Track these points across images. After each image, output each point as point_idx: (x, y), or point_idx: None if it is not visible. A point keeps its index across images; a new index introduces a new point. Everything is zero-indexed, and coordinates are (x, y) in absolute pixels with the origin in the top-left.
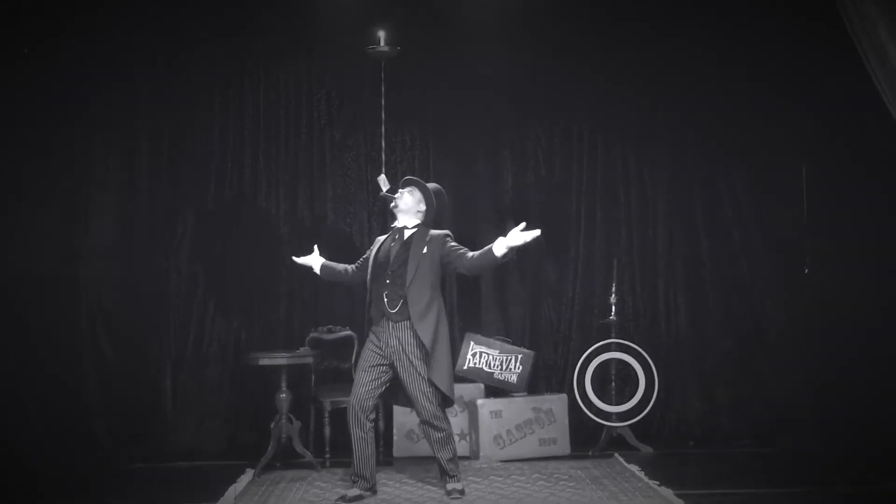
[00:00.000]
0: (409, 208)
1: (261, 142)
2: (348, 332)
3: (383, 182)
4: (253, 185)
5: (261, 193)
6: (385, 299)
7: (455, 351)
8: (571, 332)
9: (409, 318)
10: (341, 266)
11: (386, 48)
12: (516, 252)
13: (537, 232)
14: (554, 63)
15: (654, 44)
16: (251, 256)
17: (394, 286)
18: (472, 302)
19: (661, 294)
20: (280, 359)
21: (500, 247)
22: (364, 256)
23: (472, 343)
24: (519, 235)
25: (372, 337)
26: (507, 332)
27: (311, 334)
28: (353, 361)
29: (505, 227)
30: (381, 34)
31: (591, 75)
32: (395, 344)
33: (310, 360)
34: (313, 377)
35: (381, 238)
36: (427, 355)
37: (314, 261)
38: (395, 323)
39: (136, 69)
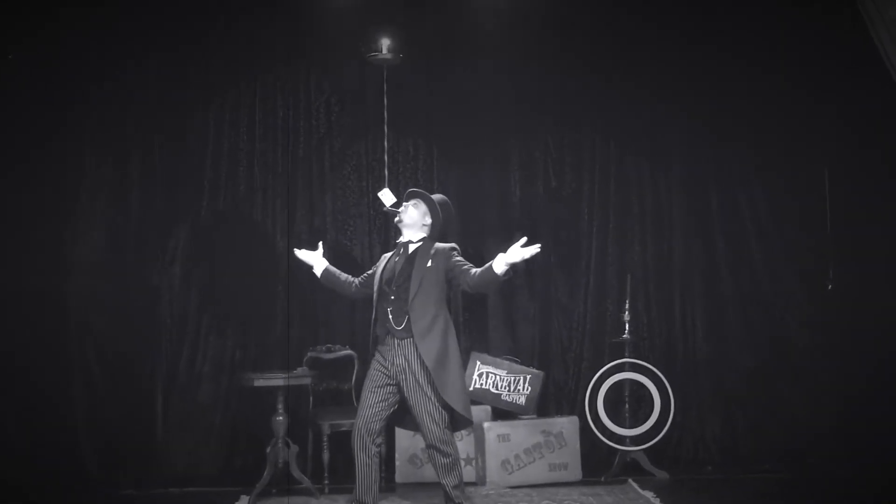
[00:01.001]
0: (414, 222)
1: (257, 151)
2: (348, 352)
3: (387, 197)
4: (248, 198)
5: (256, 206)
6: (390, 315)
7: None
8: (583, 351)
9: (413, 336)
10: (345, 276)
11: (388, 55)
12: (518, 269)
13: (537, 247)
14: (563, 67)
15: (669, 46)
16: (246, 272)
17: (398, 302)
18: (479, 319)
19: (677, 310)
20: (276, 379)
21: (499, 264)
22: (368, 272)
23: (478, 363)
24: (518, 251)
25: (378, 356)
26: (516, 352)
27: (309, 354)
28: (353, 382)
29: (513, 241)
30: (384, 42)
31: (603, 79)
32: (400, 362)
33: (308, 380)
34: (311, 399)
35: (387, 255)
36: (429, 377)
37: (317, 260)
38: (401, 340)
39: (128, 75)
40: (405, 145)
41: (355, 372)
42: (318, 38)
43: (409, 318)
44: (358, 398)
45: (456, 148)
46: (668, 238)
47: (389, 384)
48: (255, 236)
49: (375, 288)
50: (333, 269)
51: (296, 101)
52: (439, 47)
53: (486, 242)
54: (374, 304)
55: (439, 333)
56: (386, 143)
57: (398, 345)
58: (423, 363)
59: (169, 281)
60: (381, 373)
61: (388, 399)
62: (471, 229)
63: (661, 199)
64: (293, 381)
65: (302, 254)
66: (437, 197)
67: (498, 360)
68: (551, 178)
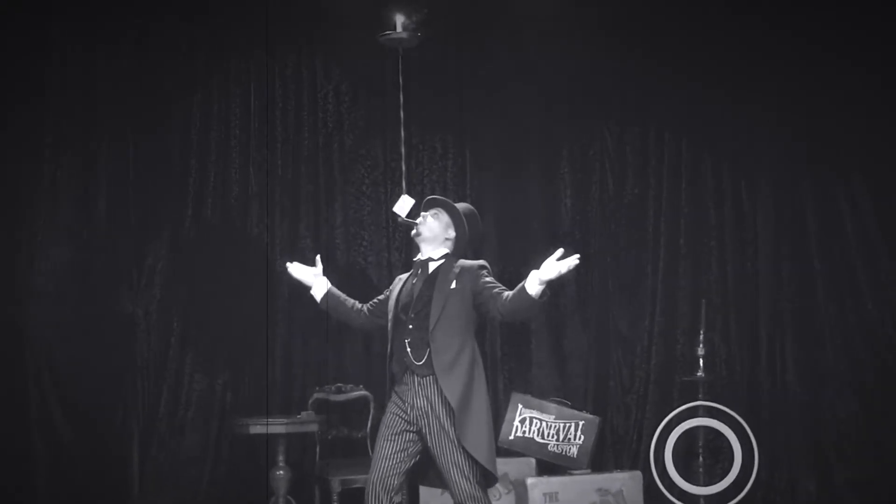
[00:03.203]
0: (434, 236)
1: (252, 151)
2: (362, 392)
3: (404, 205)
4: (242, 206)
5: (251, 216)
6: (408, 349)
7: (499, 416)
8: (647, 393)
9: (434, 372)
10: (351, 301)
11: (403, 34)
12: (556, 286)
13: (576, 258)
14: (626, 51)
15: (754, 31)
16: (240, 296)
17: (417, 332)
18: (521, 354)
19: (763, 343)
20: (276, 426)
21: (532, 283)
22: (380, 297)
23: (520, 406)
24: (554, 266)
25: (395, 398)
26: (566, 393)
27: (316, 395)
28: (368, 430)
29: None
30: (397, 17)
31: (674, 66)
32: (421, 404)
33: (314, 427)
34: (318, 449)
35: (403, 276)
36: (458, 422)
37: (316, 280)
38: (422, 378)
39: (95, 58)
40: (431, 143)
41: (371, 417)
42: (324, 12)
43: (430, 351)
44: (373, 447)
45: (492, 146)
46: (751, 257)
47: (409, 430)
48: (250, 253)
49: (390, 316)
50: (337, 291)
51: (298, 90)
52: (473, 25)
53: (530, 263)
54: (390, 335)
55: (465, 368)
56: (405, 140)
57: (418, 383)
58: (447, 404)
59: (145, 307)
60: (400, 417)
61: (407, 448)
62: (510, 247)
63: (743, 209)
64: (296, 429)
65: (296, 269)
66: (461, 206)
67: (544, 402)
68: (609, 183)
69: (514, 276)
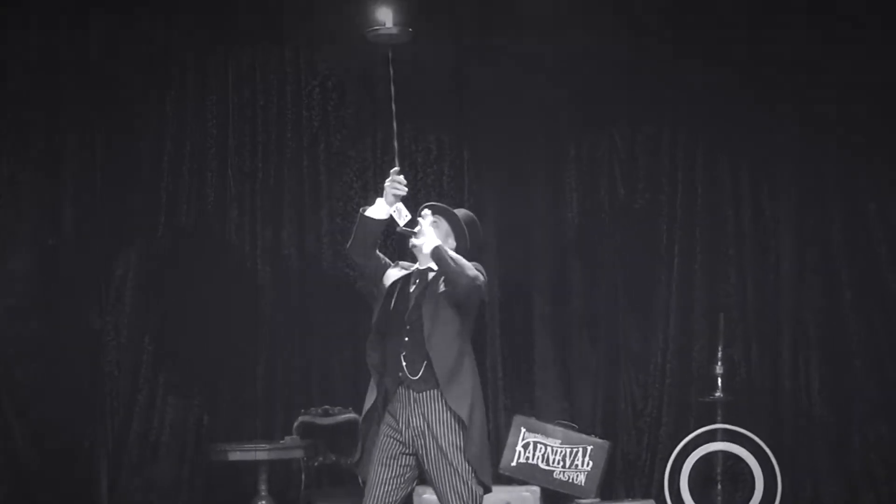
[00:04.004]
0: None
1: (230, 153)
2: (352, 415)
3: (400, 213)
4: (220, 213)
5: (230, 224)
6: (403, 363)
7: (500, 440)
8: (661, 415)
9: (437, 386)
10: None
11: (392, 29)
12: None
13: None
14: (637, 43)
15: (776, 23)
16: (217, 310)
17: (414, 344)
18: (523, 373)
19: (786, 360)
20: (258, 452)
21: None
22: (387, 262)
23: (523, 430)
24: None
25: (388, 417)
26: (572, 416)
27: (301, 418)
28: (357, 456)
29: (568, 268)
30: (384, 10)
31: (690, 60)
32: (417, 423)
33: (299, 453)
34: (303, 477)
35: (397, 273)
36: (463, 435)
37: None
38: (418, 394)
39: (60, 50)
40: (425, 143)
41: (361, 442)
42: (310, 4)
43: (429, 363)
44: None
45: (492, 147)
46: (773, 267)
47: (405, 454)
48: (228, 263)
49: (379, 316)
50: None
51: (281, 86)
52: (472, 16)
53: (534, 273)
54: (375, 343)
55: (468, 375)
56: (396, 142)
57: (414, 400)
58: (453, 420)
59: (115, 322)
60: (394, 439)
61: (404, 474)
62: (511, 257)
63: (764, 215)
64: (280, 455)
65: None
66: (460, 213)
67: (549, 426)
68: (619, 187)
69: (514, 291)
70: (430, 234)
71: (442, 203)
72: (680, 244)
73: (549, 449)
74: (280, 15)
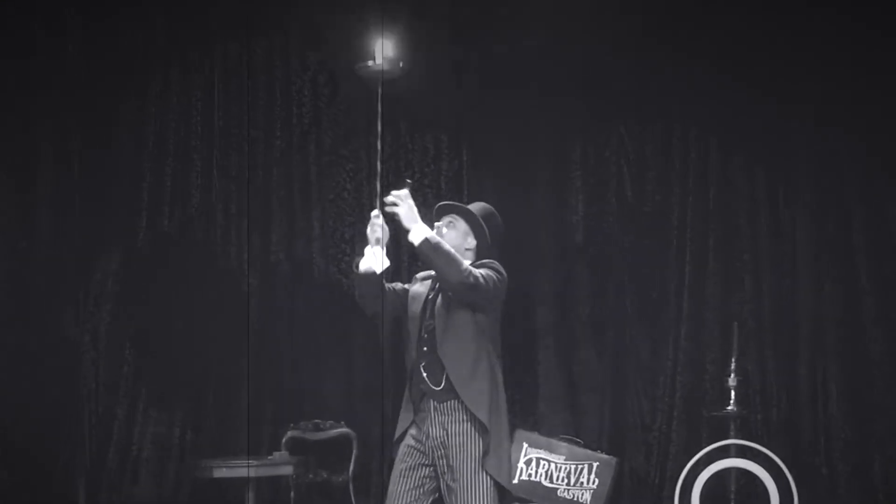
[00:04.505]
0: (454, 248)
1: (216, 151)
2: (344, 430)
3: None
4: (204, 216)
5: (214, 227)
6: (424, 373)
7: None
8: (671, 430)
9: (457, 396)
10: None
11: (383, 65)
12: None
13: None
14: (645, 36)
15: (794, 12)
16: (202, 319)
17: (432, 353)
18: (526, 385)
19: (803, 372)
20: (244, 468)
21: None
22: (396, 286)
23: (525, 445)
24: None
25: (413, 428)
26: (577, 430)
27: (291, 433)
28: (350, 473)
29: (572, 274)
30: (378, 45)
31: (701, 53)
32: (437, 434)
33: (288, 470)
34: (293, 495)
35: (421, 289)
36: (482, 443)
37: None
38: (439, 403)
39: (35, 46)
40: (422, 142)
41: (353, 457)
42: None
43: (446, 371)
44: (356, 494)
45: (494, 146)
46: (790, 273)
47: (425, 464)
48: (214, 269)
49: (411, 331)
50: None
51: (270, 82)
52: (470, 6)
53: (537, 280)
54: (407, 356)
55: (487, 377)
56: (380, 135)
57: (435, 409)
58: (468, 431)
59: (93, 332)
60: (416, 449)
61: (423, 485)
62: (514, 262)
63: (780, 218)
64: (267, 471)
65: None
66: (476, 207)
67: (553, 441)
68: (627, 189)
69: (518, 297)
70: (451, 238)
71: (452, 202)
72: (691, 249)
73: (552, 465)
74: (268, 5)
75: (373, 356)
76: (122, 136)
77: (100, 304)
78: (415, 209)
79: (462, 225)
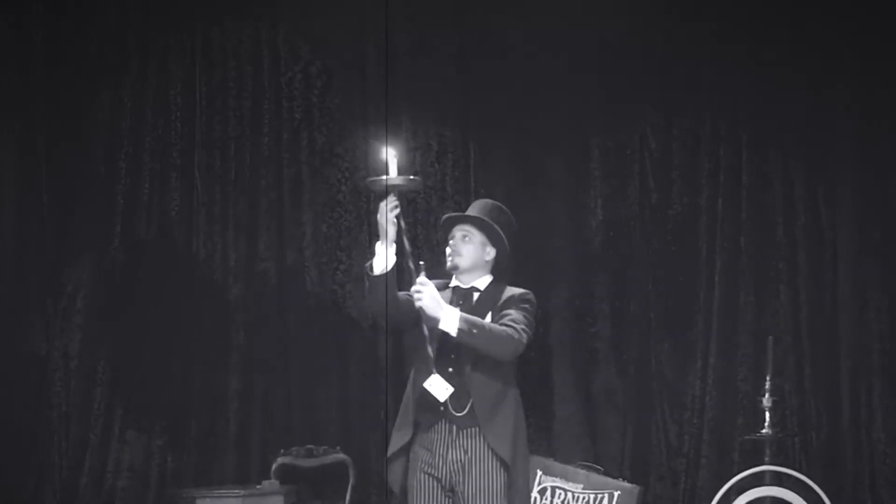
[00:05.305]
0: (474, 263)
1: (197, 151)
2: (339, 456)
3: (439, 388)
4: (185, 221)
5: (197, 234)
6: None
7: None
8: (700, 456)
9: (479, 424)
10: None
11: (396, 180)
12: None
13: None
14: (672, 23)
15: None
16: (183, 334)
17: (459, 376)
18: (540, 407)
19: (846, 392)
20: (230, 498)
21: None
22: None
23: (539, 473)
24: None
25: (421, 452)
26: (597, 457)
27: (281, 459)
28: (346, 502)
29: (591, 284)
30: (391, 155)
31: (733, 42)
32: (457, 457)
33: (278, 500)
34: None
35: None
36: (506, 477)
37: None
38: (461, 430)
39: (2, 30)
40: (425, 139)
41: (350, 486)
42: None
43: (472, 400)
44: None
45: (503, 145)
46: (831, 284)
47: (441, 490)
48: (195, 279)
49: (429, 348)
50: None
51: (257, 73)
52: None
53: (552, 291)
54: (413, 375)
55: (511, 412)
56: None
57: (455, 433)
58: (490, 461)
59: (63, 347)
60: (429, 475)
61: None
62: (527, 271)
63: (821, 224)
64: (255, 502)
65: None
66: (484, 209)
67: (570, 468)
68: (651, 191)
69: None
70: (469, 253)
71: (454, 210)
72: (722, 256)
73: (569, 495)
74: None
75: (372, 374)
76: (93, 132)
77: (70, 318)
78: (437, 295)
79: (477, 236)
